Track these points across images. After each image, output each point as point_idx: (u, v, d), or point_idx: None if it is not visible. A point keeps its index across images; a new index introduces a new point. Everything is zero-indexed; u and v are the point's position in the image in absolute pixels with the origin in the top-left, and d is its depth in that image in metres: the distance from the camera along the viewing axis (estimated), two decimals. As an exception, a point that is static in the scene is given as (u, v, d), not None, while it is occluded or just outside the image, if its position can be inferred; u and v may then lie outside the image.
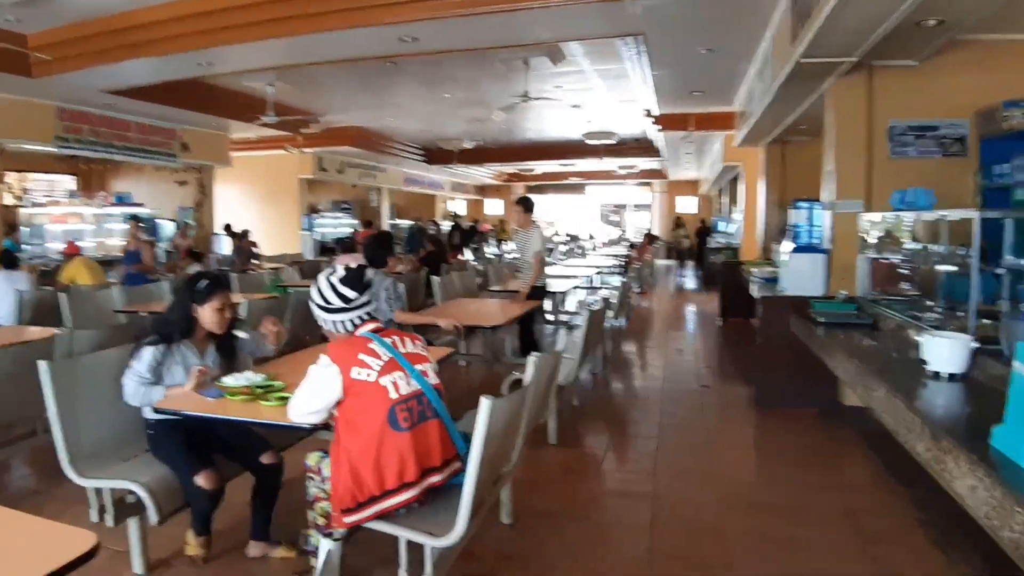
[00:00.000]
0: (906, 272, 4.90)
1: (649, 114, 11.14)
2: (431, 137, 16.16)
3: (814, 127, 8.54)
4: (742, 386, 6.04)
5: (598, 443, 4.63)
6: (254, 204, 15.55)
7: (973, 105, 5.17)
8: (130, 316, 5.64)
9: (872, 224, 4.95)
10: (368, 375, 2.20)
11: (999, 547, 1.70)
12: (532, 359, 2.65)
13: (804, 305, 5.02)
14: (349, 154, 15.92)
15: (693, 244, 16.26)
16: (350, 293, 2.37)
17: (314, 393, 2.25)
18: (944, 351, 2.73)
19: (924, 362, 2.80)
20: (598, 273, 11.32)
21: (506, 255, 15.80)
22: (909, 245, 4.63)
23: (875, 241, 4.92)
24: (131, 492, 2.58)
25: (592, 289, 11.91)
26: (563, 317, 9.04)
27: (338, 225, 17.69)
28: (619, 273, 13.20)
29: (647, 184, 25.88)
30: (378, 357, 2.24)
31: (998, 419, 1.97)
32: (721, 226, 18.09)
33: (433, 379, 2.35)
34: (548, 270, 10.84)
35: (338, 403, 2.23)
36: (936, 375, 2.76)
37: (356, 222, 18.44)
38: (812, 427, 4.83)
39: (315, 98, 11.27)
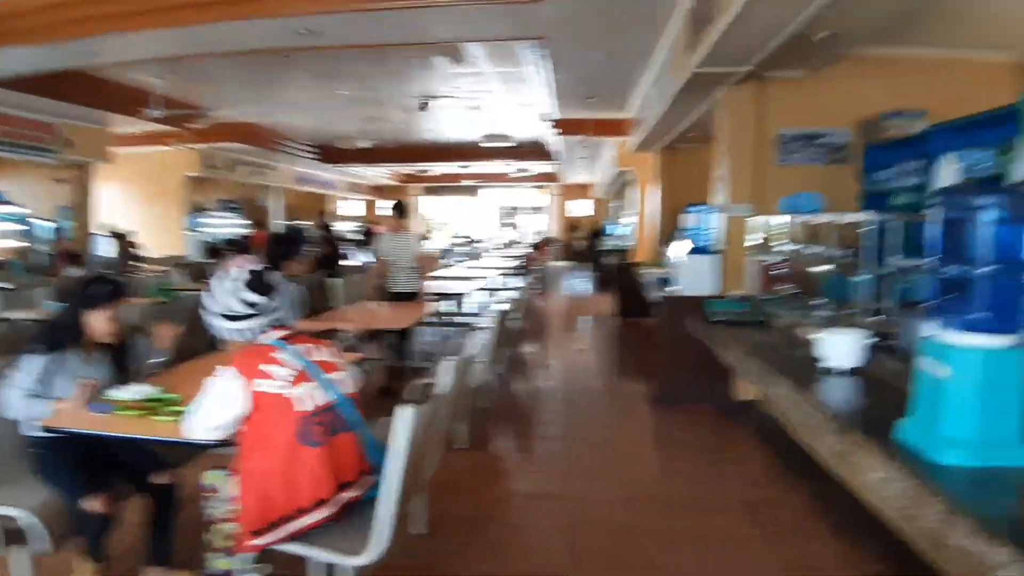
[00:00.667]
0: (792, 272, 5.18)
1: (548, 118, 11.27)
2: (326, 135, 15.68)
3: (703, 134, 8.92)
4: (642, 384, 6.19)
5: (509, 445, 4.61)
6: (137, 203, 14.52)
7: (856, 115, 5.53)
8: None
9: (762, 227, 5.20)
10: (276, 387, 2.04)
11: (897, 534, 1.80)
12: (446, 364, 2.56)
13: (700, 305, 5.20)
14: (239, 151, 15.16)
15: (586, 245, 16.63)
16: (256, 298, 2.19)
17: (217, 407, 2.07)
18: (841, 347, 2.88)
19: (817, 359, 2.94)
20: (500, 275, 11.32)
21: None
22: (797, 247, 4.91)
23: (765, 243, 5.18)
24: (12, 519, 2.30)
25: (493, 291, 11.91)
26: (465, 319, 8.96)
27: (225, 225, 16.81)
28: (518, 275, 13.29)
29: (542, 187, 26.27)
30: (287, 367, 2.09)
31: (900, 412, 2.08)
32: (612, 229, 18.66)
33: (347, 388, 2.21)
34: (447, 272, 10.84)
35: (243, 418, 2.06)
36: (831, 371, 2.89)
37: (245, 222, 17.61)
38: (709, 423, 5.00)
39: (204, 91, 10.65)
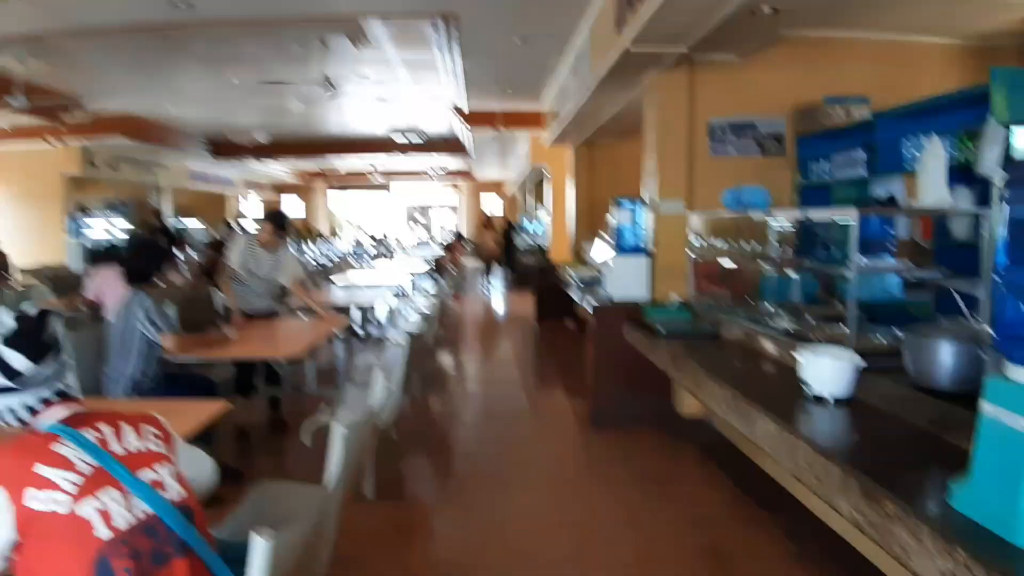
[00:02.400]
0: (730, 275, 4.76)
1: (458, 110, 10.61)
2: (219, 128, 14.40)
3: (623, 128, 8.53)
4: (571, 400, 5.63)
5: (426, 488, 3.89)
6: (9, 206, 12.89)
7: (789, 102, 5.17)
8: None
9: (702, 224, 4.74)
10: (58, 501, 1.28)
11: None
12: (340, 431, 1.84)
13: (634, 312, 4.70)
14: (123, 147, 13.72)
15: (500, 244, 16.07)
16: (18, 362, 1.43)
17: None
18: (827, 372, 2.38)
19: (801, 385, 2.44)
20: (411, 277, 10.57)
21: (307, 258, 14.47)
22: (734, 246, 4.48)
23: (704, 243, 4.72)
24: None
25: (403, 297, 11.14)
26: (373, 331, 8.18)
27: (112, 229, 15.24)
28: (431, 276, 12.58)
29: (454, 184, 25.58)
30: (73, 468, 1.32)
31: (937, 464, 1.57)
32: (527, 227, 18.18)
33: (175, 492, 1.43)
34: (355, 277, 9.99)
35: (10, 548, 1.29)
36: (819, 400, 2.39)
37: (132, 225, 16.06)
38: (653, 447, 4.47)
39: (77, 79, 9.38)
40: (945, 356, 2.04)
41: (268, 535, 1.35)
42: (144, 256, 3.47)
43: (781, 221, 3.98)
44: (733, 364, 3.30)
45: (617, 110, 6.73)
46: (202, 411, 2.44)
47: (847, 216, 2.55)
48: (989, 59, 4.99)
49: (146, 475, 1.37)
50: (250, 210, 23.97)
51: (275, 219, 4.94)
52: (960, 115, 3.75)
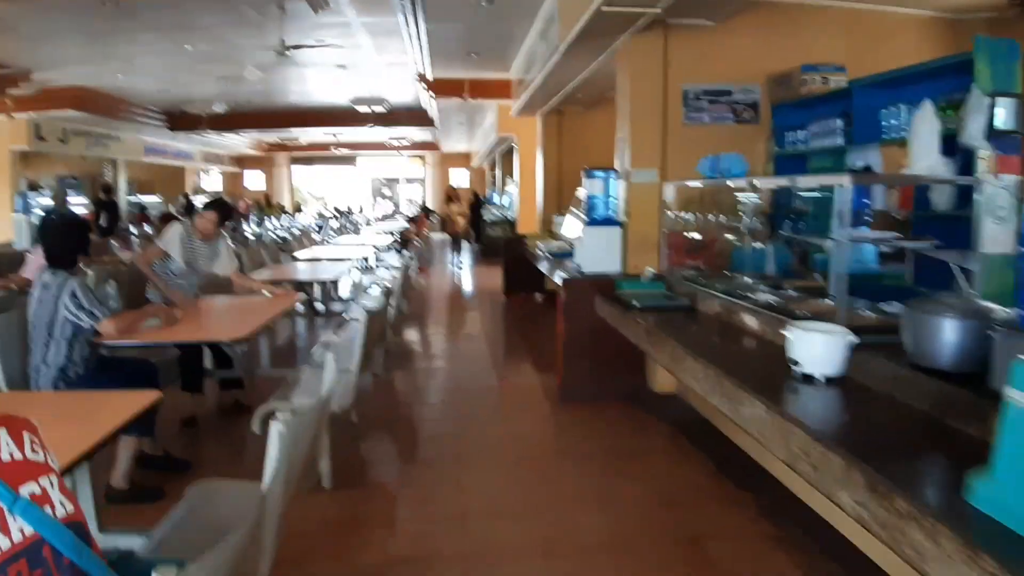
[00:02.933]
0: (704, 246, 4.61)
1: (422, 78, 10.25)
2: (174, 99, 13.79)
3: (593, 97, 8.30)
4: (540, 376, 5.46)
5: (387, 473, 3.66)
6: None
7: (765, 70, 5.01)
8: None
9: (675, 194, 4.56)
10: None
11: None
12: (277, 429, 1.58)
13: (607, 286, 4.52)
14: (74, 120, 13.13)
15: (466, 217, 15.70)
16: None
17: None
18: (819, 349, 2.21)
19: (789, 363, 2.27)
20: (376, 252, 10.27)
21: (269, 232, 14.03)
22: (708, 216, 4.31)
23: (680, 212, 4.54)
24: None
25: (369, 270, 10.84)
26: (335, 307, 7.90)
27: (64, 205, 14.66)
28: (396, 250, 12.29)
29: (420, 157, 25.10)
30: None
31: (938, 450, 1.42)
32: (496, 199, 17.89)
33: (62, 508, 1.15)
34: (317, 252, 9.63)
35: None
36: (809, 379, 2.23)
37: (85, 200, 15.40)
38: (625, 423, 4.32)
39: (21, 49, 8.84)
40: (949, 333, 1.88)
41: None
42: (61, 236, 3.10)
43: (754, 192, 3.81)
44: (712, 340, 3.14)
45: (587, 75, 6.48)
46: (134, 402, 2.19)
47: (841, 182, 2.37)
48: (961, 31, 4.92)
49: (29, 488, 1.11)
50: (210, 184, 23.22)
51: (220, 208, 4.49)
52: (941, 84, 3.62)
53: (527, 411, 4.73)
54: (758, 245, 4.16)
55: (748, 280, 3.69)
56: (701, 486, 3.38)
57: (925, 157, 2.66)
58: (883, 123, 4.09)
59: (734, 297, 3.36)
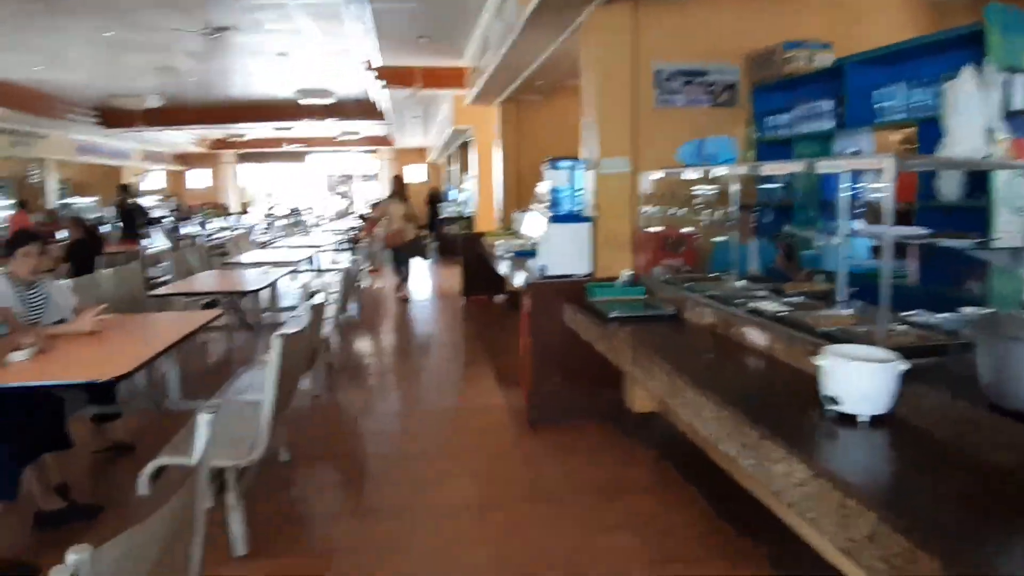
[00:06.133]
0: (682, 243, 4.14)
1: (370, 66, 9.58)
2: (101, 93, 12.81)
3: (554, 84, 7.76)
4: (504, 392, 4.90)
5: (319, 532, 2.98)
6: None
7: (744, 47, 4.52)
8: None
9: (654, 185, 4.05)
10: None
11: None
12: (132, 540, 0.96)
13: (578, 291, 3.99)
14: (-8, 117, 12.09)
15: (417, 220, 14.64)
16: None
17: None
18: (865, 381, 1.70)
19: (832, 399, 1.75)
20: (319, 252, 9.57)
21: (215, 236, 13.16)
22: (684, 210, 3.81)
23: (655, 206, 4.03)
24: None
25: (317, 272, 10.14)
26: (279, 317, 7.18)
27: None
28: (347, 250, 11.59)
29: (373, 152, 24.29)
30: None
31: None
32: (452, 195, 17.21)
33: None
34: (256, 255, 8.81)
35: None
36: (846, 418, 1.72)
37: (10, 202, 14.29)
38: (606, 455, 3.73)
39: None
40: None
41: None
42: None
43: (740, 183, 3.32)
44: (711, 361, 2.61)
45: (548, 57, 5.92)
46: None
47: (884, 164, 1.85)
48: (942, 11, 4.52)
49: None
50: (151, 183, 22.01)
51: (33, 238, 3.41)
52: (944, 60, 3.17)
53: (491, 438, 4.12)
54: (745, 242, 3.70)
55: (740, 284, 3.19)
56: (699, 534, 2.85)
57: (967, 137, 2.17)
58: (877, 104, 3.68)
59: (730, 305, 2.84)
